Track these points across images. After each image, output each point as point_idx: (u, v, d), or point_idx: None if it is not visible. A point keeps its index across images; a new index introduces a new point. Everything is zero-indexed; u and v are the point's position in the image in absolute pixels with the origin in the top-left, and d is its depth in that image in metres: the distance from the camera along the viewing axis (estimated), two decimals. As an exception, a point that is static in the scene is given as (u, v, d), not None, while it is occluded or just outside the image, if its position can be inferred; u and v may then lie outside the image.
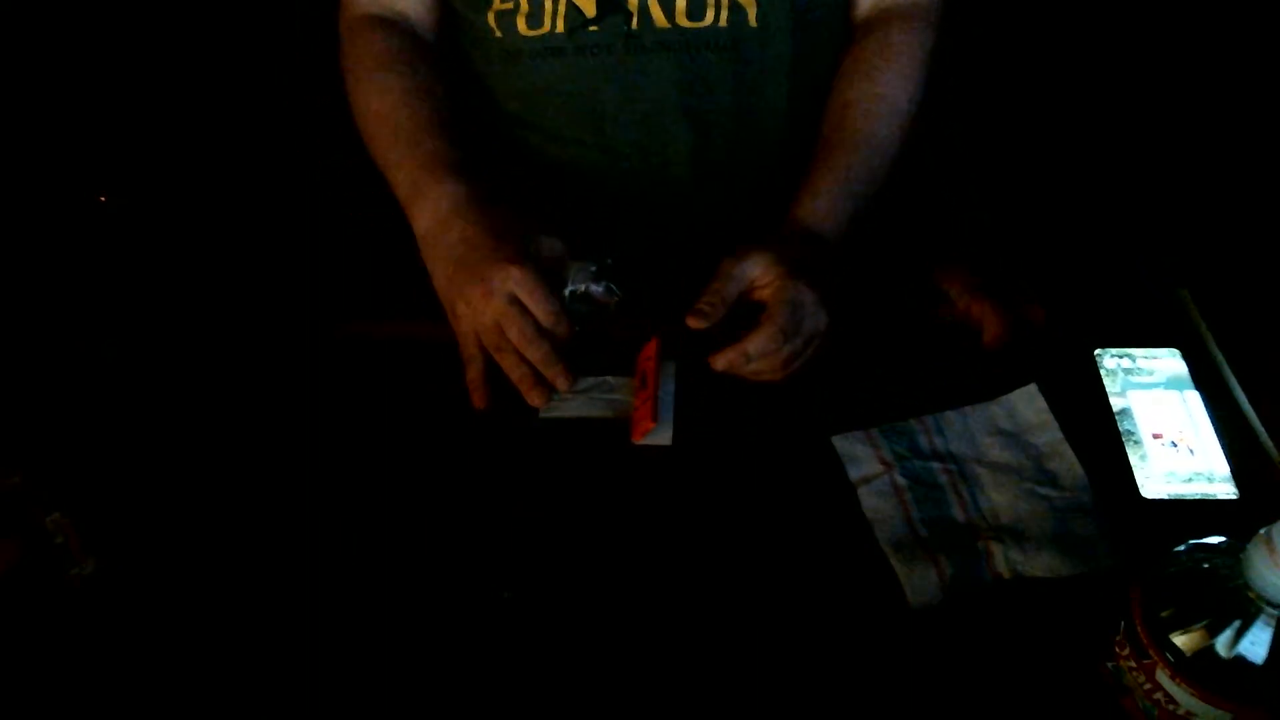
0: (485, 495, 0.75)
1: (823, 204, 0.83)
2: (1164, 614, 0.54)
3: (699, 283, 0.77)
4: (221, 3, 1.35)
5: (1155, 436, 0.76)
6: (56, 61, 1.31)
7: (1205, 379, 0.79)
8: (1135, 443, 0.76)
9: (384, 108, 0.91)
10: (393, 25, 0.97)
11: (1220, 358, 0.81)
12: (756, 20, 0.89)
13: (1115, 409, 0.78)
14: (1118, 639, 0.58)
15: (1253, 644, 0.52)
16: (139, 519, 0.74)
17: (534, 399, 0.79)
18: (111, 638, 0.68)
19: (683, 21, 0.89)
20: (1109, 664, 0.59)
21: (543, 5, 0.89)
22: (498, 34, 0.92)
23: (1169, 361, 0.81)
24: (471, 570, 0.70)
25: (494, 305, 0.77)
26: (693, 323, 0.75)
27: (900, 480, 0.74)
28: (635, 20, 0.89)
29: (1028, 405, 0.78)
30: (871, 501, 0.73)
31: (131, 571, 0.71)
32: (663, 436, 0.78)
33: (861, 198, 0.85)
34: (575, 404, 0.80)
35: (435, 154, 0.87)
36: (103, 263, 1.14)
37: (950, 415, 0.78)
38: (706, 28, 0.89)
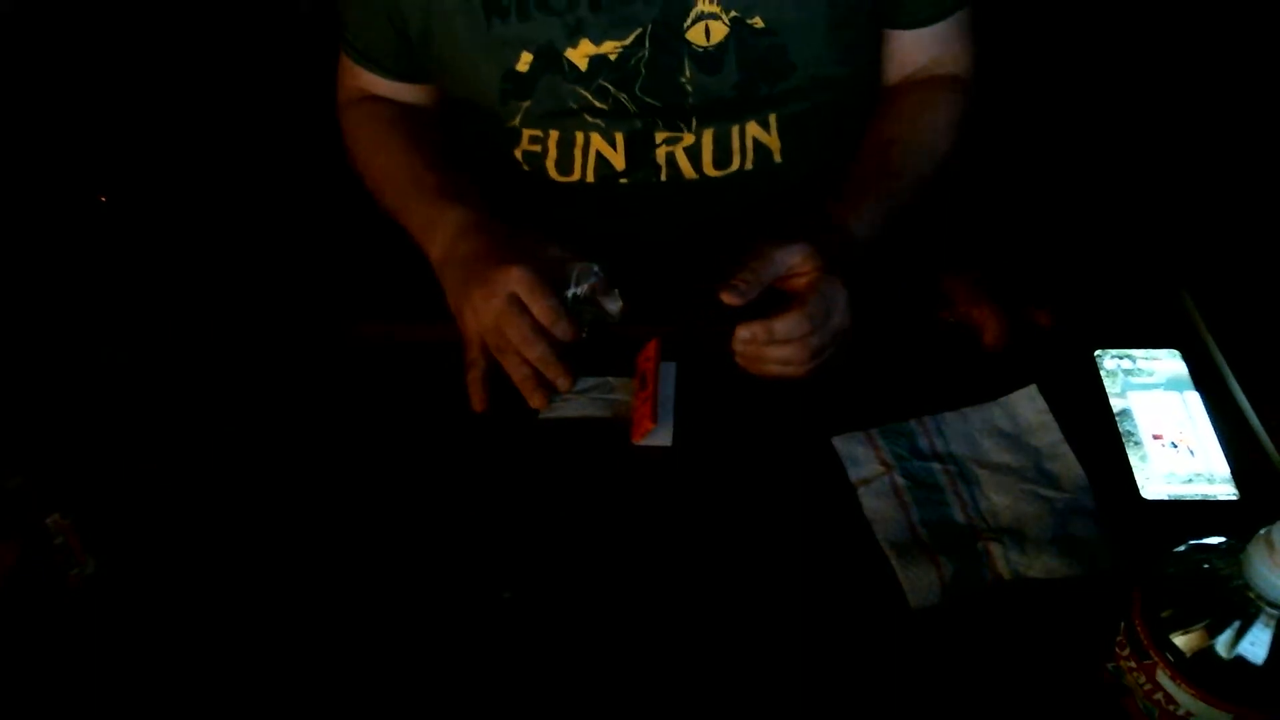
0: (485, 495, 0.75)
1: (863, 219, 0.84)
2: (1164, 614, 0.54)
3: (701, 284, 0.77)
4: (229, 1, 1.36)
5: (1155, 437, 0.76)
6: (56, 62, 1.31)
7: (1205, 379, 0.79)
8: (1135, 444, 0.76)
9: (388, 162, 0.93)
10: (387, 99, 0.99)
11: (1220, 358, 0.81)
12: (782, 156, 0.90)
13: (1115, 410, 0.78)
14: (1118, 640, 0.58)
15: (1253, 644, 0.52)
16: (139, 519, 0.74)
17: (535, 400, 0.79)
18: (111, 638, 0.68)
19: (710, 171, 0.90)
20: (1109, 665, 0.59)
21: (572, 155, 0.90)
22: (525, 168, 0.93)
23: (1169, 362, 0.81)
24: (471, 570, 0.70)
25: (494, 305, 0.77)
26: (726, 298, 0.74)
27: (900, 481, 0.74)
28: (663, 173, 0.90)
29: (1028, 406, 0.78)
30: (871, 502, 0.73)
31: (131, 571, 0.71)
32: (663, 437, 0.78)
33: (890, 223, 0.86)
34: (575, 404, 0.80)
35: (439, 188, 0.89)
36: (104, 264, 1.14)
37: (950, 416, 0.78)
38: (733, 173, 0.90)
